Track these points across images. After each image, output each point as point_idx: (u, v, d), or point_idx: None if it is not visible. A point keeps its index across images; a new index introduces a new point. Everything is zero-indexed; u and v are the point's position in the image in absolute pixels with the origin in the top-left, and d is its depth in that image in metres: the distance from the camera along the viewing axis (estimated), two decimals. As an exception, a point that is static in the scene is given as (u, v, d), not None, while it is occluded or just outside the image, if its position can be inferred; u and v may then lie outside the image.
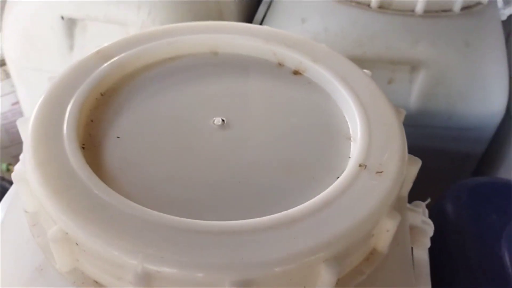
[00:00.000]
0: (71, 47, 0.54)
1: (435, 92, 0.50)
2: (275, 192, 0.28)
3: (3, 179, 0.61)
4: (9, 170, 0.65)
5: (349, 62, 0.35)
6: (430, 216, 0.36)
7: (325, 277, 0.24)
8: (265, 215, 0.26)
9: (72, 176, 0.26)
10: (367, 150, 0.29)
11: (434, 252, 0.35)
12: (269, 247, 0.24)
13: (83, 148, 0.29)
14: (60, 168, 0.27)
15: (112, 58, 0.34)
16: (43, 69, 0.56)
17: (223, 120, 0.32)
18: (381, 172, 0.28)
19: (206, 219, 0.25)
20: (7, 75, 0.65)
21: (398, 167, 0.28)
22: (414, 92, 0.50)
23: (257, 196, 0.28)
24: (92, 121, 0.31)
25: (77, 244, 0.25)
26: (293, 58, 0.36)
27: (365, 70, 0.35)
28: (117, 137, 0.30)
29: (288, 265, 0.24)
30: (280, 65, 0.37)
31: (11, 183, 0.63)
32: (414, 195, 0.35)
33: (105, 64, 0.33)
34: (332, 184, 0.28)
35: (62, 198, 0.25)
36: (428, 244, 0.34)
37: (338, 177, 0.29)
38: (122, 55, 0.34)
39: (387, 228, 0.28)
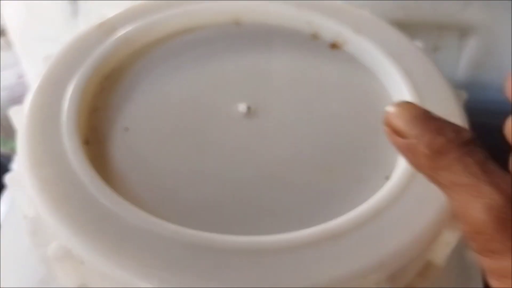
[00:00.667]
0: (74, 12, 0.49)
1: (486, 62, 0.44)
2: (313, 198, 0.23)
3: (12, 158, 0.58)
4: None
5: (398, 32, 0.30)
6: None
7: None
8: (303, 228, 0.21)
9: (74, 180, 0.22)
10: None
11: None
12: (309, 269, 0.20)
13: (87, 143, 0.25)
14: (59, 170, 0.23)
15: (117, 32, 0.29)
16: (46, 38, 0.52)
17: (248, 107, 0.27)
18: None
19: (232, 232, 0.21)
20: (10, 46, 0.60)
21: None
22: (463, 61, 0.44)
23: (292, 202, 0.23)
24: (95, 110, 0.26)
25: (82, 263, 0.21)
26: (330, 28, 0.30)
27: (416, 43, 0.30)
28: (126, 128, 0.26)
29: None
30: (315, 37, 0.31)
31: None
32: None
33: (109, 40, 0.28)
34: (382, 186, 0.23)
35: (62, 209, 0.21)
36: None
37: (387, 176, 0.24)
38: (129, 28, 0.29)
39: (448, 240, 0.23)
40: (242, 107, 0.27)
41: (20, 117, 0.25)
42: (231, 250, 0.20)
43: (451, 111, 0.26)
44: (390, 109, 0.19)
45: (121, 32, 0.29)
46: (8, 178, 0.25)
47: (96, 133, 0.25)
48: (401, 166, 0.24)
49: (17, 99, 0.64)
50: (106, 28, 0.29)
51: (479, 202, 0.15)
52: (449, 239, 0.23)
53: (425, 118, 0.18)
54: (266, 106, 0.27)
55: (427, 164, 0.17)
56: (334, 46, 0.31)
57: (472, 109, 0.45)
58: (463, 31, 0.44)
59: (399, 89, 0.27)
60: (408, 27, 0.42)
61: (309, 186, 0.24)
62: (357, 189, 0.24)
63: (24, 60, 0.57)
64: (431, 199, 0.22)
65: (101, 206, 0.21)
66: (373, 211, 0.22)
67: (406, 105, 0.19)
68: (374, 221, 0.22)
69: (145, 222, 0.21)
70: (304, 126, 0.27)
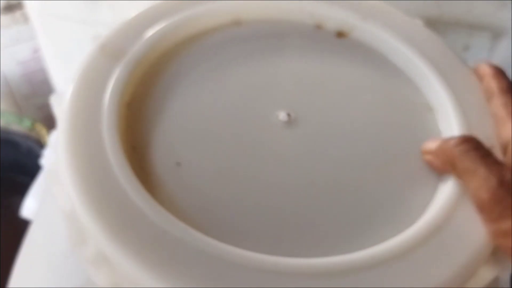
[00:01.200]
0: (95, -8, 0.48)
1: (516, 63, 0.43)
2: (358, 219, 0.23)
3: (29, 137, 0.58)
4: (34, 129, 0.61)
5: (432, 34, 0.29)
6: None
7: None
8: (346, 252, 0.21)
9: (114, 184, 0.22)
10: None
11: None
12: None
13: (134, 148, 0.24)
14: (100, 173, 0.22)
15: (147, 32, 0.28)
16: (66, 16, 0.51)
17: (289, 115, 0.26)
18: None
19: (279, 253, 0.21)
20: (26, 20, 0.59)
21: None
22: (494, 61, 0.44)
23: (340, 222, 0.23)
24: (134, 114, 0.26)
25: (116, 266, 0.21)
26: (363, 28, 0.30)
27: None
28: (166, 134, 0.25)
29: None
30: (341, 34, 0.31)
31: (37, 142, 0.59)
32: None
33: (142, 40, 0.28)
34: (427, 205, 0.23)
35: (101, 211, 0.21)
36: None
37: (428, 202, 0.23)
38: (158, 28, 0.28)
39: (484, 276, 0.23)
40: (282, 115, 0.26)
41: (60, 109, 0.25)
42: (281, 272, 0.20)
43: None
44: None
45: (150, 32, 0.28)
46: (46, 175, 0.24)
47: (136, 139, 0.25)
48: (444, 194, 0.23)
49: (32, 74, 0.63)
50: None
51: (482, 185, 0.21)
52: (486, 275, 0.23)
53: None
54: (306, 112, 0.27)
55: (442, 157, 0.23)
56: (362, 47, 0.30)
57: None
58: (495, 32, 0.43)
59: (435, 92, 0.27)
60: (440, 25, 0.42)
61: (354, 205, 0.23)
62: (401, 212, 0.23)
63: (40, 36, 0.56)
64: (471, 233, 0.22)
65: (139, 213, 0.21)
66: (420, 235, 0.22)
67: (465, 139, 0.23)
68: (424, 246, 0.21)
69: (185, 234, 0.20)
70: (347, 135, 0.26)
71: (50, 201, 0.30)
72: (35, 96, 0.66)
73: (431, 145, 0.24)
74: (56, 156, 0.23)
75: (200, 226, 0.21)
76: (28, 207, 0.36)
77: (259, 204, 0.23)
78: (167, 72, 0.28)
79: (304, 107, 0.27)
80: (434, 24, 0.42)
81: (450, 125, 0.26)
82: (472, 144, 0.22)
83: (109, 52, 0.26)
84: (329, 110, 0.27)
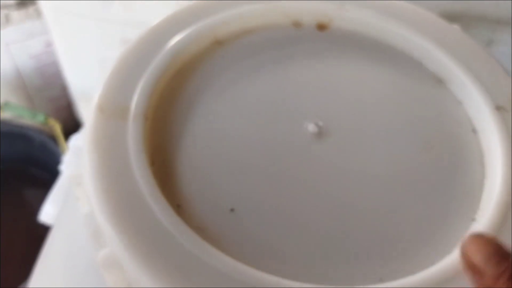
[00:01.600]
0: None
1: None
2: (391, 243, 0.22)
3: (42, 132, 0.58)
4: (47, 124, 0.61)
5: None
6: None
7: None
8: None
9: (137, 195, 0.21)
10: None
11: None
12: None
13: (152, 164, 0.24)
14: (124, 185, 0.21)
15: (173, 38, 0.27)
16: (80, 13, 0.50)
17: (318, 126, 0.26)
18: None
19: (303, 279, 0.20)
20: (39, 15, 0.58)
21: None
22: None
23: (371, 249, 0.22)
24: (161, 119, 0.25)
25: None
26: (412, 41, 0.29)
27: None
28: (191, 144, 0.25)
29: None
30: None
31: (50, 136, 0.59)
32: None
33: (164, 49, 0.27)
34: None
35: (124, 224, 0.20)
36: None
37: (473, 218, 0.23)
38: (186, 32, 0.28)
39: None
40: (312, 127, 0.25)
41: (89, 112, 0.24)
42: None
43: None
44: (468, 243, 0.19)
45: (177, 38, 0.27)
46: (70, 178, 0.24)
47: (161, 149, 0.25)
48: (488, 208, 0.22)
49: (44, 68, 0.63)
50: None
51: None
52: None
53: (503, 255, 0.18)
54: (336, 123, 0.26)
55: None
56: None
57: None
58: (520, 27, 0.42)
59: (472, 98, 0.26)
60: (466, 20, 0.41)
61: (388, 229, 0.22)
62: (440, 234, 0.22)
63: (53, 31, 0.55)
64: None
65: (163, 230, 0.20)
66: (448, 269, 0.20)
67: (484, 241, 0.19)
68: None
69: (205, 254, 0.20)
70: (379, 148, 0.25)
71: (70, 207, 0.30)
72: (47, 89, 0.66)
73: (477, 257, 0.19)
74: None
75: (221, 245, 0.21)
76: (47, 213, 0.37)
77: (286, 223, 0.22)
78: (195, 76, 0.27)
79: (329, 115, 0.26)
80: (458, 18, 0.41)
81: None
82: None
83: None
84: (356, 116, 0.26)
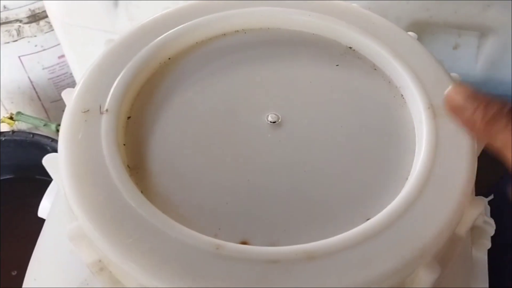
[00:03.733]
0: (115, 4, 0.52)
1: (503, 60, 0.46)
2: (335, 205, 0.26)
3: (53, 140, 0.62)
4: (58, 131, 0.65)
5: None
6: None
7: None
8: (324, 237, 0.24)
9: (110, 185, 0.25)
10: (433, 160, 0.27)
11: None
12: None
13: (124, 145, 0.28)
14: (99, 180, 0.25)
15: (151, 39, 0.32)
16: (87, 26, 0.55)
17: (277, 116, 0.30)
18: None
19: (265, 242, 0.24)
20: (51, 27, 0.63)
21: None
22: (481, 58, 0.46)
23: (316, 212, 0.26)
24: (129, 117, 0.29)
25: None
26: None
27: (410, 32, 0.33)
28: (158, 133, 0.28)
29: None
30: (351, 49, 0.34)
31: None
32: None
33: (145, 48, 0.31)
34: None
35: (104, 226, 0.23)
36: (488, 245, 0.32)
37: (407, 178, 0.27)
38: (163, 35, 0.32)
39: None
40: (271, 117, 0.30)
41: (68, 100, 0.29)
42: (266, 260, 0.23)
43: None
44: (449, 90, 0.24)
45: (155, 39, 0.31)
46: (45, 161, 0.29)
47: (132, 137, 0.28)
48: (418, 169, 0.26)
49: (57, 78, 0.68)
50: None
51: None
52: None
53: (477, 94, 0.23)
54: (293, 115, 0.30)
55: (485, 131, 0.22)
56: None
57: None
58: (482, 31, 0.45)
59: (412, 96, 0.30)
60: (430, 27, 0.44)
61: (331, 196, 0.26)
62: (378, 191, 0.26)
63: (63, 44, 0.60)
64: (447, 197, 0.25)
65: (136, 216, 0.24)
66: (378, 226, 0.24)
67: (461, 86, 0.24)
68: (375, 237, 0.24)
69: (180, 234, 0.23)
70: (328, 136, 0.29)
71: (59, 203, 0.33)
72: (61, 99, 0.71)
73: (458, 98, 0.24)
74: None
75: (184, 219, 0.24)
76: (44, 208, 0.39)
77: (242, 197, 0.26)
78: (168, 77, 0.31)
79: (285, 108, 0.30)
80: (424, 26, 0.44)
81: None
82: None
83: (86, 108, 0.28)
84: (316, 114, 0.30)
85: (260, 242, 0.24)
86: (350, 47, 0.33)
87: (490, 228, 0.32)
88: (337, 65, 0.33)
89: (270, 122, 0.29)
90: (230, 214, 0.25)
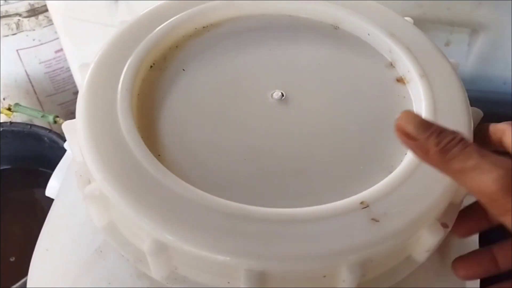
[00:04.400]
0: (115, -2, 0.53)
1: (493, 56, 0.48)
2: (327, 179, 0.27)
3: (51, 131, 0.62)
4: (56, 122, 0.66)
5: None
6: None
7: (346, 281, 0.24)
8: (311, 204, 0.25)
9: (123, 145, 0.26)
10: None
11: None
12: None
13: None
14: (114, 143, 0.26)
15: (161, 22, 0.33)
16: (88, 20, 0.56)
17: (282, 93, 0.31)
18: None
19: (262, 204, 0.25)
20: (49, 22, 0.64)
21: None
22: (472, 55, 0.48)
23: (310, 181, 0.27)
24: (139, 94, 0.30)
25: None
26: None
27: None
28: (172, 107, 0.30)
29: (304, 265, 0.23)
30: (336, 28, 0.35)
31: (59, 135, 0.64)
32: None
33: (155, 31, 0.32)
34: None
35: (128, 191, 0.24)
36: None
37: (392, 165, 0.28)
38: (173, 18, 0.33)
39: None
40: (276, 94, 0.31)
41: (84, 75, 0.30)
42: (262, 219, 0.24)
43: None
44: (400, 118, 0.24)
45: (166, 22, 0.33)
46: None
47: (144, 110, 0.29)
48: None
49: (53, 73, 0.69)
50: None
51: (487, 178, 0.21)
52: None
53: (428, 123, 0.23)
54: (298, 93, 0.31)
55: (438, 158, 0.23)
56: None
57: (478, 98, 0.49)
58: (473, 29, 0.47)
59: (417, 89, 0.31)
60: (423, 23, 0.46)
61: (325, 169, 0.28)
62: (370, 173, 0.27)
63: (63, 37, 0.61)
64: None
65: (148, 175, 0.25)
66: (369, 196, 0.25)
67: (411, 114, 0.24)
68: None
69: (185, 191, 0.24)
70: (330, 111, 0.31)
71: (70, 180, 0.34)
72: (57, 94, 0.71)
73: (409, 127, 0.23)
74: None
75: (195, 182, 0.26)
76: (51, 187, 0.40)
77: (245, 164, 0.27)
78: (180, 55, 0.33)
79: (298, 89, 0.32)
80: (418, 22, 0.46)
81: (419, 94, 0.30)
82: (466, 141, 0.22)
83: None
84: (319, 93, 0.32)
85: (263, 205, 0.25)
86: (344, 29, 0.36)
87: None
88: (335, 46, 0.34)
89: (275, 99, 0.31)
90: (238, 178, 0.27)
